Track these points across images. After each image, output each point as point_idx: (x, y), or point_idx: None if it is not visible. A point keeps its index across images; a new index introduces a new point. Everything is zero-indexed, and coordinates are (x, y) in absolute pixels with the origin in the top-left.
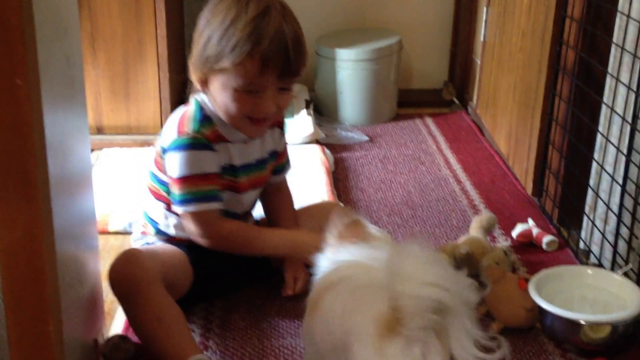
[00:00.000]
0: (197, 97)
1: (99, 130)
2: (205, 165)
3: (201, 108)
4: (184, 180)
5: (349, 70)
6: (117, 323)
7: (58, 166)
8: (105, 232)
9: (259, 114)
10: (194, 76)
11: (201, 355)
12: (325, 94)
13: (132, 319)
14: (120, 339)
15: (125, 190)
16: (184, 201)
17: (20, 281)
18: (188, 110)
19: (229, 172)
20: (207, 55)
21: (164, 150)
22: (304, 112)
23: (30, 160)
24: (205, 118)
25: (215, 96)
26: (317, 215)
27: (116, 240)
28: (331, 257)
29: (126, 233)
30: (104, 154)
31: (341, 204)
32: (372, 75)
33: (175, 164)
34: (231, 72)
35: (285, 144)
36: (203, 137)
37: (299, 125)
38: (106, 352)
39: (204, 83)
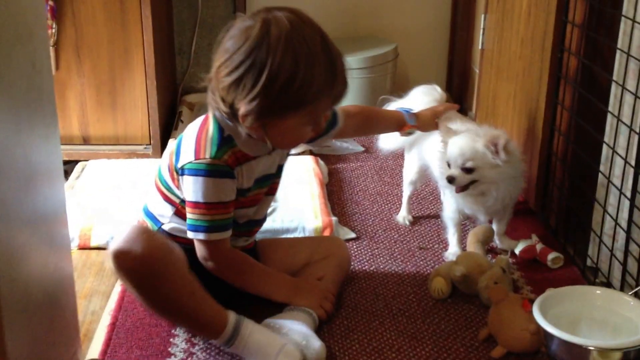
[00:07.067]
0: (217, 114)
1: (85, 141)
2: (223, 194)
3: (220, 129)
4: (200, 206)
5: None
6: (94, 346)
7: (15, 182)
8: (86, 248)
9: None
10: (247, 120)
11: (237, 315)
12: None
13: (158, 300)
14: None
15: (109, 203)
16: (197, 227)
17: None
18: (206, 129)
19: (238, 194)
20: (285, 101)
21: (180, 171)
22: None
23: None
24: (225, 140)
25: (272, 136)
26: (321, 251)
27: (97, 256)
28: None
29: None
30: (90, 165)
31: (342, 234)
32: (367, 83)
33: (193, 189)
34: (308, 113)
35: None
36: (223, 164)
37: None
38: None
39: (252, 126)
